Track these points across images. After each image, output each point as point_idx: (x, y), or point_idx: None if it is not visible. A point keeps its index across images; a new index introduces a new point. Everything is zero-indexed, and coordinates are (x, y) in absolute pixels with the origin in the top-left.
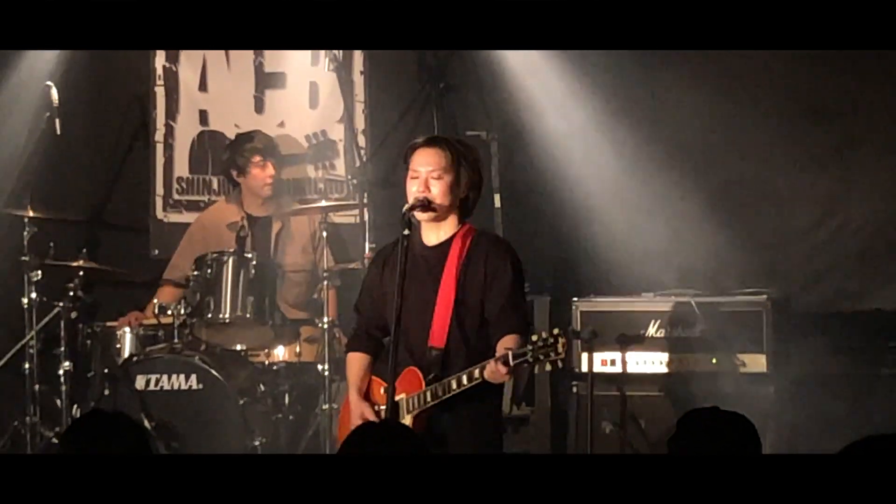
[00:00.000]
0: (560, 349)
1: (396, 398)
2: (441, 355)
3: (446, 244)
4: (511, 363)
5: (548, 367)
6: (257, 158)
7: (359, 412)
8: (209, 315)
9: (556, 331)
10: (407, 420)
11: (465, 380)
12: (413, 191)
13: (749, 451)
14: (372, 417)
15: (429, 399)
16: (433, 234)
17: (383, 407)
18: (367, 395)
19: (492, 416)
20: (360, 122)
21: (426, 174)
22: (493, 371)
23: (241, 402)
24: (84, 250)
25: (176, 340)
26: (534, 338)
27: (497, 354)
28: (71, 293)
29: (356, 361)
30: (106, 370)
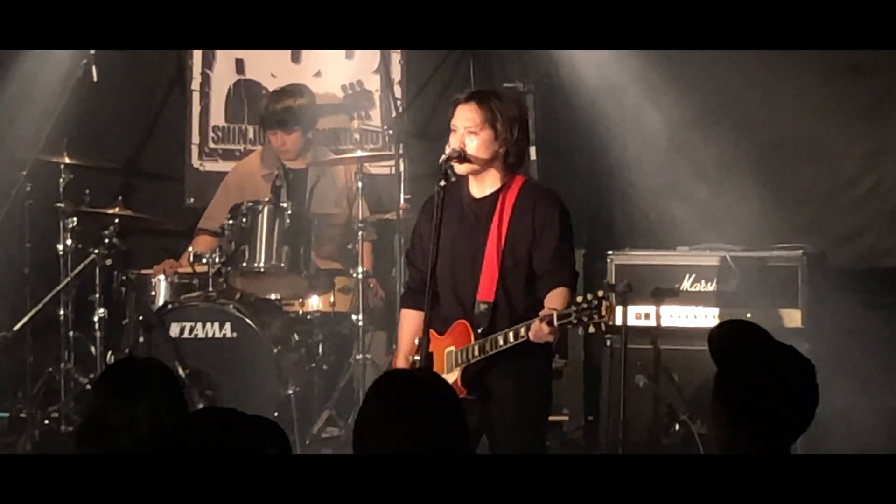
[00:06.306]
0: (604, 311)
1: (446, 350)
2: (490, 309)
3: (494, 196)
4: (555, 323)
5: (591, 329)
6: (274, 128)
7: None
8: (244, 264)
9: (600, 293)
10: (455, 373)
11: (511, 337)
12: (451, 144)
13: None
14: None
15: (476, 353)
16: (480, 186)
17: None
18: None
19: (542, 371)
20: (396, 73)
21: (464, 129)
22: (538, 330)
23: (275, 350)
24: (120, 198)
25: (210, 289)
26: (578, 299)
27: (542, 313)
28: (106, 240)
29: (409, 320)
30: (140, 317)
